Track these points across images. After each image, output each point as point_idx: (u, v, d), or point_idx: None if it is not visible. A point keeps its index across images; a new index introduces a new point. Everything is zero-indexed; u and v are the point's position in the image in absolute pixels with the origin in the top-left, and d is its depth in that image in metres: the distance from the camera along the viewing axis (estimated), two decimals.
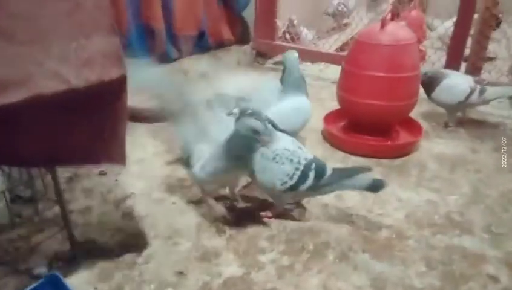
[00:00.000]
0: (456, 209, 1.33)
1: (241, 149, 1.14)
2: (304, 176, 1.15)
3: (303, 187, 1.16)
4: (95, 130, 0.85)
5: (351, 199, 1.36)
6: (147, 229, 1.21)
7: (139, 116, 1.82)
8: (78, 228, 1.21)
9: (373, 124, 1.66)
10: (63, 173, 1.48)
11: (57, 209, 1.16)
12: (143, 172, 1.52)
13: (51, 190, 1.15)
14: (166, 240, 1.18)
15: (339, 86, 1.70)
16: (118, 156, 0.90)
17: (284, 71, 1.48)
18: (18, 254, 1.11)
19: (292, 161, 1.15)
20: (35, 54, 0.72)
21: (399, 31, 1.57)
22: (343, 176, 1.18)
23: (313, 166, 1.16)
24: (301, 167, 1.15)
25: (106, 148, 0.88)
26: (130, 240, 1.17)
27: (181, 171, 1.50)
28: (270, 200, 1.29)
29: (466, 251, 1.16)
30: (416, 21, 2.93)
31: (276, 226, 1.24)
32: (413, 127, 1.76)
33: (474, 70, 2.12)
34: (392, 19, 1.60)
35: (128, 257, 1.11)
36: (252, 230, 1.22)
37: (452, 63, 2.14)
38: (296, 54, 1.47)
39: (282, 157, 1.15)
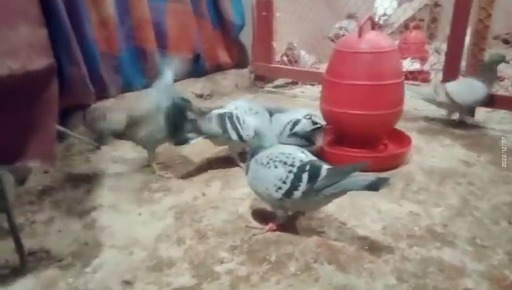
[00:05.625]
0: (439, 221, 1.23)
1: None
2: (297, 179, 1.07)
3: (298, 192, 1.08)
4: (21, 124, 0.83)
5: (324, 210, 1.27)
6: (105, 239, 1.17)
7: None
8: (37, 237, 1.18)
9: (356, 136, 1.58)
10: (37, 186, 1.47)
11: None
12: (117, 185, 1.48)
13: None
14: (121, 249, 1.12)
15: (321, 99, 1.64)
16: (46, 154, 0.86)
17: None
18: None
19: (285, 163, 1.10)
20: None
21: (378, 39, 1.52)
22: (339, 174, 1.06)
23: (308, 167, 1.08)
24: (295, 170, 1.08)
25: (33, 145, 0.84)
26: (84, 250, 1.12)
27: (155, 184, 1.47)
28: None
29: (444, 263, 1.04)
30: (416, 40, 2.93)
31: (241, 236, 1.17)
32: (403, 141, 1.67)
33: None
34: (372, 28, 1.56)
35: (77, 266, 1.06)
36: (214, 241, 1.15)
37: (450, 76, 2.07)
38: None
39: (276, 160, 1.11)
